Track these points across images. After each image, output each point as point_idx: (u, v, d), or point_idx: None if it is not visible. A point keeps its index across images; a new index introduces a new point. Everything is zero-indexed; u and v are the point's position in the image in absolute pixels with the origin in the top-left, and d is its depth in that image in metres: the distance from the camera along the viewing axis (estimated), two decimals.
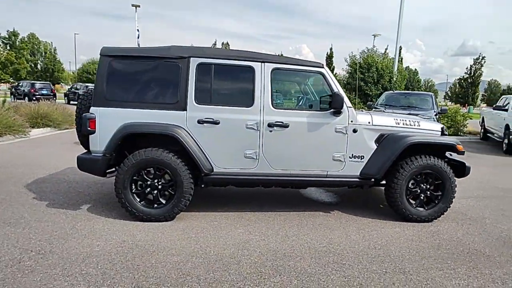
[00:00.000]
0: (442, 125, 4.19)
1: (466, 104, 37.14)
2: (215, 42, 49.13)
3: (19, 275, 2.52)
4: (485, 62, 36.45)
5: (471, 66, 37.22)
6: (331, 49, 44.90)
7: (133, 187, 3.60)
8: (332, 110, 3.75)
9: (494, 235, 3.61)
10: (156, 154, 3.51)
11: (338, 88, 3.79)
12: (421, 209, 3.88)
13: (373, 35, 38.59)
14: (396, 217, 3.99)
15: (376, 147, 3.86)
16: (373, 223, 3.83)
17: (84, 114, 3.62)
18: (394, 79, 14.80)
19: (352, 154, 3.84)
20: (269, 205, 4.32)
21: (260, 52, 3.84)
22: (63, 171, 5.72)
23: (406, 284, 2.58)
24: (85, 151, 3.90)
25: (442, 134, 4.07)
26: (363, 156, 3.85)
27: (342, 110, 3.72)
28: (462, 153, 3.88)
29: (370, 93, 14.67)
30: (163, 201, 3.63)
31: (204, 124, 3.61)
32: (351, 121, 3.80)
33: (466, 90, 38.82)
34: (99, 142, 3.59)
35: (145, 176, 3.60)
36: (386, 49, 37.80)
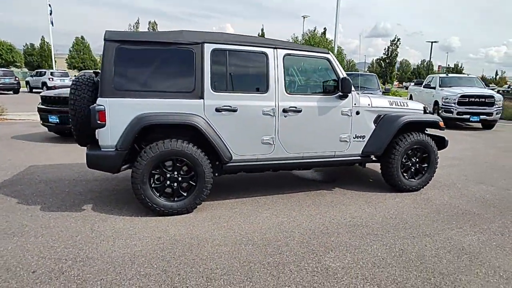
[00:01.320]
0: (424, 105, 4.74)
1: (386, 83, 41.08)
2: (138, 20, 45.58)
3: (74, 286, 2.31)
4: (400, 43, 40.49)
5: (388, 47, 41.04)
6: (262, 30, 45.36)
7: (152, 181, 3.43)
8: (339, 94, 3.98)
9: (472, 197, 4.29)
10: (176, 145, 3.38)
11: (343, 72, 4.02)
12: (412, 180, 4.39)
13: (302, 16, 40.06)
14: (389, 189, 4.46)
15: (374, 127, 4.23)
16: (375, 196, 4.24)
17: (91, 106, 3.29)
18: None
19: (356, 135, 4.15)
20: (274, 188, 4.47)
21: (271, 38, 3.85)
22: (28, 170, 5.11)
23: (435, 245, 2.98)
24: (88, 147, 3.57)
25: (425, 112, 4.60)
26: (364, 136, 4.20)
27: (348, 94, 3.98)
28: (442, 128, 4.46)
29: None
30: (184, 193, 3.53)
31: (222, 112, 3.56)
32: (355, 104, 4.09)
33: (384, 70, 42.84)
34: (111, 136, 3.32)
35: (164, 169, 3.45)
36: (314, 30, 39.42)
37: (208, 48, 3.51)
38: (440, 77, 12.62)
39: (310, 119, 3.90)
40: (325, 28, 61.67)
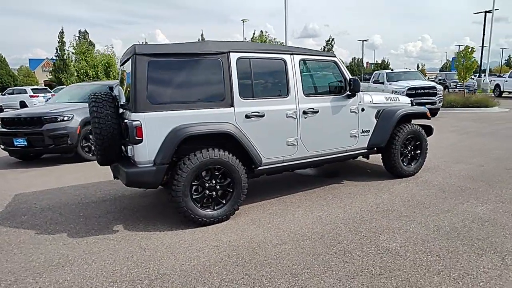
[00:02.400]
0: (410, 98, 5.31)
1: None
2: (62, 29, 41.66)
3: None
4: (334, 43, 43.12)
5: (324, 47, 43.44)
6: (202, 35, 45.05)
7: (192, 192, 3.43)
8: (347, 93, 4.33)
9: (459, 175, 4.93)
10: (214, 154, 3.43)
11: (348, 74, 4.38)
12: (410, 166, 4.92)
13: (242, 20, 40.66)
14: (388, 176, 4.93)
15: (376, 121, 4.66)
16: (382, 184, 4.66)
17: (128, 122, 3.19)
18: None
19: (362, 130, 4.54)
20: (288, 188, 4.67)
21: (286, 45, 4.05)
22: (17, 199, 4.72)
23: (458, 217, 3.44)
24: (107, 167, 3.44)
25: (412, 105, 5.17)
26: (369, 130, 4.61)
27: (356, 93, 4.35)
28: (429, 118, 5.06)
29: None
30: (223, 201, 3.58)
31: (252, 118, 3.68)
32: (360, 102, 4.47)
33: None
34: (148, 151, 3.26)
35: (204, 179, 3.47)
36: (254, 33, 40.26)
37: (233, 57, 3.62)
38: (386, 73, 13.88)
39: (325, 118, 4.19)
40: (261, 31, 63.45)
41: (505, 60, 74.75)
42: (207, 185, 3.49)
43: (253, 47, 3.79)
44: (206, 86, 3.57)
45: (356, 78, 4.27)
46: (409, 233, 3.15)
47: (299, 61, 4.02)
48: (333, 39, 41.83)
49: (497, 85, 20.87)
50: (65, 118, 6.86)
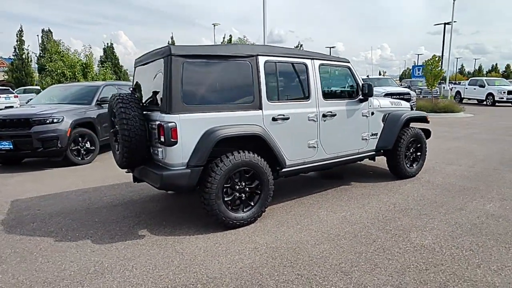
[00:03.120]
0: (409, 103, 5.60)
1: None
2: (21, 28, 38.65)
3: None
4: (303, 49, 44.11)
5: None
6: (172, 38, 44.30)
7: (224, 194, 3.41)
8: (359, 98, 4.50)
9: (456, 176, 5.26)
10: (245, 156, 3.43)
11: (360, 79, 4.56)
12: (412, 167, 5.18)
13: (213, 24, 40.49)
14: (391, 177, 5.17)
15: (383, 125, 4.88)
16: (390, 185, 4.87)
17: (164, 123, 3.11)
18: None
19: (372, 133, 4.73)
20: (301, 190, 4.76)
21: (307, 50, 4.15)
22: (15, 206, 4.44)
23: (473, 215, 3.69)
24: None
25: (411, 109, 5.46)
26: (377, 133, 4.81)
27: (369, 98, 4.53)
28: (428, 122, 5.37)
29: None
30: (252, 203, 3.59)
31: (278, 120, 3.73)
32: (370, 106, 4.67)
33: None
34: (182, 153, 3.20)
35: (234, 181, 3.46)
36: (224, 37, 40.05)
37: (261, 60, 3.65)
38: (363, 79, 14.44)
39: (341, 122, 4.32)
40: (230, 35, 63.38)
41: (458, 68, 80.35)
42: (237, 187, 3.48)
43: (279, 51, 3.85)
44: (236, 88, 3.57)
45: (370, 83, 4.45)
46: (436, 230, 3.34)
47: (319, 66, 4.13)
48: (301, 45, 42.76)
49: (458, 92, 22.41)
50: (55, 120, 6.50)
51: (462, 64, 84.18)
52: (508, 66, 71.22)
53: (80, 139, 6.95)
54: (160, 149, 3.29)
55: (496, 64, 74.19)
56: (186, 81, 3.23)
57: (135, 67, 4.22)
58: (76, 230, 3.58)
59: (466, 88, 21.53)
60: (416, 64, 37.87)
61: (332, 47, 48.27)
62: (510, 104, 19.16)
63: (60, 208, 4.28)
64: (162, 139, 3.14)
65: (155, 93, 3.50)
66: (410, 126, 5.25)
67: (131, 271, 2.73)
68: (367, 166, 5.94)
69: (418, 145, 5.22)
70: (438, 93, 22.61)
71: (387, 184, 4.90)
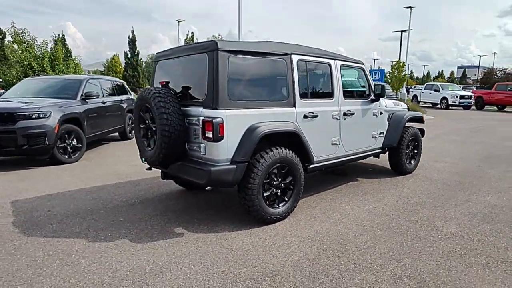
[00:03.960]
0: (407, 104, 5.98)
1: None
2: None
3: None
4: None
5: None
6: (132, 32, 42.71)
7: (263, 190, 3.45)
8: (371, 98, 4.76)
9: (447, 172, 5.73)
10: (283, 152, 3.51)
11: (372, 80, 4.82)
12: (411, 164, 5.56)
13: (177, 20, 39.59)
14: (391, 173, 5.52)
15: (388, 124, 5.19)
16: (395, 181, 5.20)
17: (209, 119, 3.08)
18: None
19: (379, 131, 5.02)
20: (314, 186, 4.92)
21: (329, 51, 4.30)
22: (17, 205, 4.15)
23: (480, 205, 4.08)
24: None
25: (408, 110, 5.85)
26: (384, 132, 5.11)
27: (380, 98, 4.80)
28: (423, 122, 5.79)
29: None
30: (286, 198, 3.67)
31: (308, 118, 3.85)
32: (379, 106, 4.95)
33: None
34: (228, 148, 3.20)
35: (271, 177, 3.51)
36: (187, 35, 39.32)
37: (295, 58, 3.74)
38: None
39: (358, 121, 4.55)
40: (192, 33, 62.21)
41: (408, 74, 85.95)
42: (274, 183, 3.54)
43: (309, 50, 3.96)
44: (273, 85, 3.64)
45: (383, 84, 4.72)
46: (455, 220, 3.66)
47: (340, 66, 4.32)
48: None
49: (415, 96, 24.09)
50: (42, 115, 6.07)
51: (412, 70, 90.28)
52: (452, 72, 77.72)
53: (66, 136, 6.55)
54: (202, 145, 3.26)
55: (442, 71, 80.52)
56: (231, 77, 3.23)
57: (157, 61, 4.11)
58: (106, 230, 3.42)
59: (423, 92, 23.20)
60: (373, 68, 39.91)
61: None
62: (461, 108, 21.00)
63: (73, 208, 4.04)
64: (210, 135, 3.12)
65: (194, 87, 3.46)
66: (408, 125, 5.63)
67: (190, 268, 2.69)
68: (366, 164, 6.25)
69: (416, 143, 5.62)
70: (397, 96, 24.11)
71: (391, 180, 5.21)
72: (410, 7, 28.16)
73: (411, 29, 28.75)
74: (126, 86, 10.28)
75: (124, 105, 9.41)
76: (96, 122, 7.73)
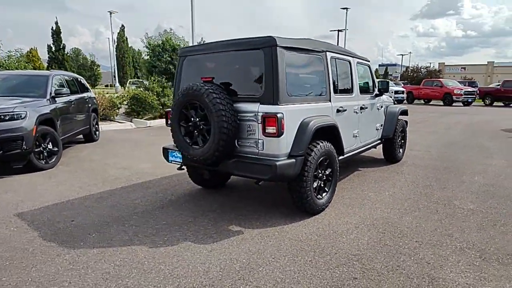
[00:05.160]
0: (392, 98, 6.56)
1: None
2: None
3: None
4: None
5: None
6: (56, 23, 38.92)
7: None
8: (376, 93, 5.17)
9: (426, 158, 6.44)
10: (326, 146, 3.67)
11: (375, 76, 5.22)
12: (400, 152, 6.14)
13: (109, 12, 36.95)
14: (384, 162, 6.05)
15: (385, 117, 5.67)
16: (391, 168, 5.70)
17: (272, 114, 3.11)
18: None
19: (380, 124, 5.47)
20: None
21: (346, 48, 4.55)
22: (35, 215, 3.75)
23: (473, 185, 4.72)
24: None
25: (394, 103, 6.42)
26: (382, 124, 5.57)
27: (383, 94, 5.22)
28: (408, 115, 6.40)
29: None
30: (326, 189, 3.85)
31: (340, 112, 4.07)
32: (380, 100, 5.38)
33: None
34: (286, 143, 3.27)
35: (318, 170, 3.66)
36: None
37: (329, 55, 3.93)
38: None
39: (368, 114, 4.91)
40: (123, 25, 58.52)
41: None
42: (319, 175, 3.70)
43: (336, 48, 4.18)
44: (316, 81, 3.78)
45: (388, 80, 5.15)
46: (466, 198, 4.20)
47: (356, 63, 4.62)
48: (204, 39, 42.89)
49: None
50: (17, 116, 5.38)
51: None
52: (376, 70, 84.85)
53: (42, 139, 5.89)
54: (260, 141, 3.28)
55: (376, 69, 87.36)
56: (287, 73, 3.30)
57: (184, 57, 3.95)
58: (158, 235, 3.25)
59: None
60: None
61: None
62: (396, 102, 23.21)
63: (99, 216, 3.73)
64: (273, 130, 3.15)
65: (242, 83, 3.45)
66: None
67: (277, 262, 2.73)
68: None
69: (403, 134, 6.21)
70: None
71: (388, 168, 5.71)
72: (346, 8, 30.28)
73: (347, 29, 30.92)
74: (86, 83, 9.49)
75: (89, 104, 8.71)
76: (67, 123, 7.06)
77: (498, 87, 21.74)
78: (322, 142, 3.61)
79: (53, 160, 6.08)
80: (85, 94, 8.63)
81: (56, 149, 6.17)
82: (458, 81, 25.66)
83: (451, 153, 6.91)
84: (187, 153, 3.53)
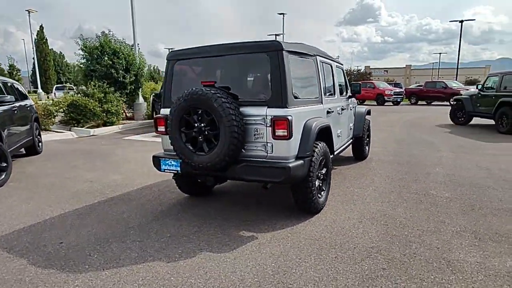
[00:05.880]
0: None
1: None
2: None
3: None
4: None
5: None
6: (42, 26, 34.08)
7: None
8: (348, 95, 5.48)
9: (389, 154, 6.98)
10: (324, 146, 3.81)
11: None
12: (367, 150, 6.58)
13: (27, 10, 33.37)
14: (353, 160, 6.43)
15: (354, 117, 6.03)
16: (363, 165, 6.08)
17: (283, 117, 3.14)
18: (139, 65, 15.38)
19: (352, 125, 5.80)
20: None
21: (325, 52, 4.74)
22: (15, 241, 3.31)
23: (441, 174, 5.26)
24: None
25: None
26: (354, 124, 5.92)
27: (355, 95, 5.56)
28: (370, 114, 6.88)
29: (125, 80, 14.56)
30: (324, 188, 3.98)
31: (329, 113, 4.25)
32: (352, 102, 5.72)
33: None
34: (294, 145, 3.33)
35: (319, 169, 3.77)
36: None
37: (318, 59, 4.08)
38: None
39: (345, 115, 5.19)
40: (41, 25, 52.93)
41: None
42: (320, 175, 3.81)
43: (322, 52, 4.34)
44: (311, 83, 3.89)
45: (360, 83, 5.49)
46: (439, 188, 4.66)
47: (335, 66, 4.86)
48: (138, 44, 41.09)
49: None
50: None
51: None
52: None
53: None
54: (269, 144, 3.28)
55: None
56: (292, 76, 3.35)
57: (175, 60, 3.79)
58: (168, 249, 3.06)
59: None
60: None
61: (171, 49, 48.20)
62: None
63: (90, 235, 3.40)
64: (283, 133, 3.18)
65: (244, 87, 3.42)
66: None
67: (306, 262, 2.77)
68: None
69: (368, 133, 6.67)
70: None
71: (359, 165, 6.08)
72: (283, 14, 31.41)
73: (284, 33, 32.08)
74: (24, 90, 8.52)
75: (32, 113, 7.85)
76: (11, 134, 6.28)
77: (422, 87, 24.35)
78: (320, 143, 3.73)
79: (2, 177, 5.36)
80: (26, 102, 7.76)
81: (5, 164, 5.45)
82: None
83: (405, 148, 7.59)
84: (191, 161, 3.39)
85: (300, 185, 3.52)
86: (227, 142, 3.16)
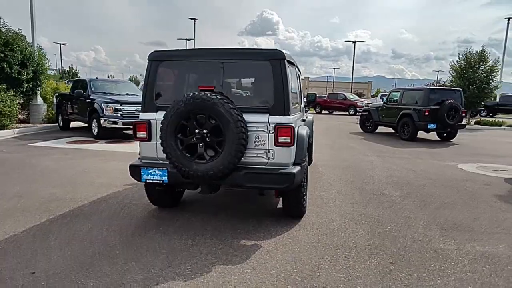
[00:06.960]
0: None
1: None
2: None
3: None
4: None
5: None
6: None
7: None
8: (305, 104, 5.82)
9: (329, 159, 7.58)
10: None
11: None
12: (313, 155, 7.02)
13: None
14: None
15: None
16: (312, 169, 6.47)
17: (287, 125, 3.20)
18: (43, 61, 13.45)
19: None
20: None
21: None
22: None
23: (395, 174, 5.97)
24: None
25: None
26: None
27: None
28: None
29: (21, 77, 12.52)
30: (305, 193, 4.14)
31: (303, 121, 4.46)
32: (306, 111, 6.08)
33: None
34: (293, 152, 3.42)
35: None
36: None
37: (295, 68, 4.24)
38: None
39: (306, 125, 5.47)
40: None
41: None
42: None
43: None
44: (295, 92, 4.02)
45: (315, 93, 5.86)
46: (388, 188, 5.28)
47: (296, 72, 5.11)
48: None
49: None
50: None
51: None
52: None
53: None
54: (271, 151, 3.28)
55: None
56: (290, 84, 3.44)
57: (159, 61, 3.50)
58: (174, 266, 2.80)
59: None
60: None
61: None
62: None
63: (66, 259, 2.89)
64: (287, 140, 3.23)
65: (243, 93, 3.37)
66: None
67: (325, 263, 2.86)
68: None
69: (312, 139, 7.13)
70: None
71: (310, 169, 6.42)
72: (194, 19, 31.16)
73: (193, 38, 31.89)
74: None
75: None
76: None
77: (325, 98, 26.95)
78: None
79: None
80: None
81: None
82: None
83: (337, 154, 8.35)
84: (189, 169, 3.16)
85: (295, 190, 3.60)
86: (233, 149, 3.06)
